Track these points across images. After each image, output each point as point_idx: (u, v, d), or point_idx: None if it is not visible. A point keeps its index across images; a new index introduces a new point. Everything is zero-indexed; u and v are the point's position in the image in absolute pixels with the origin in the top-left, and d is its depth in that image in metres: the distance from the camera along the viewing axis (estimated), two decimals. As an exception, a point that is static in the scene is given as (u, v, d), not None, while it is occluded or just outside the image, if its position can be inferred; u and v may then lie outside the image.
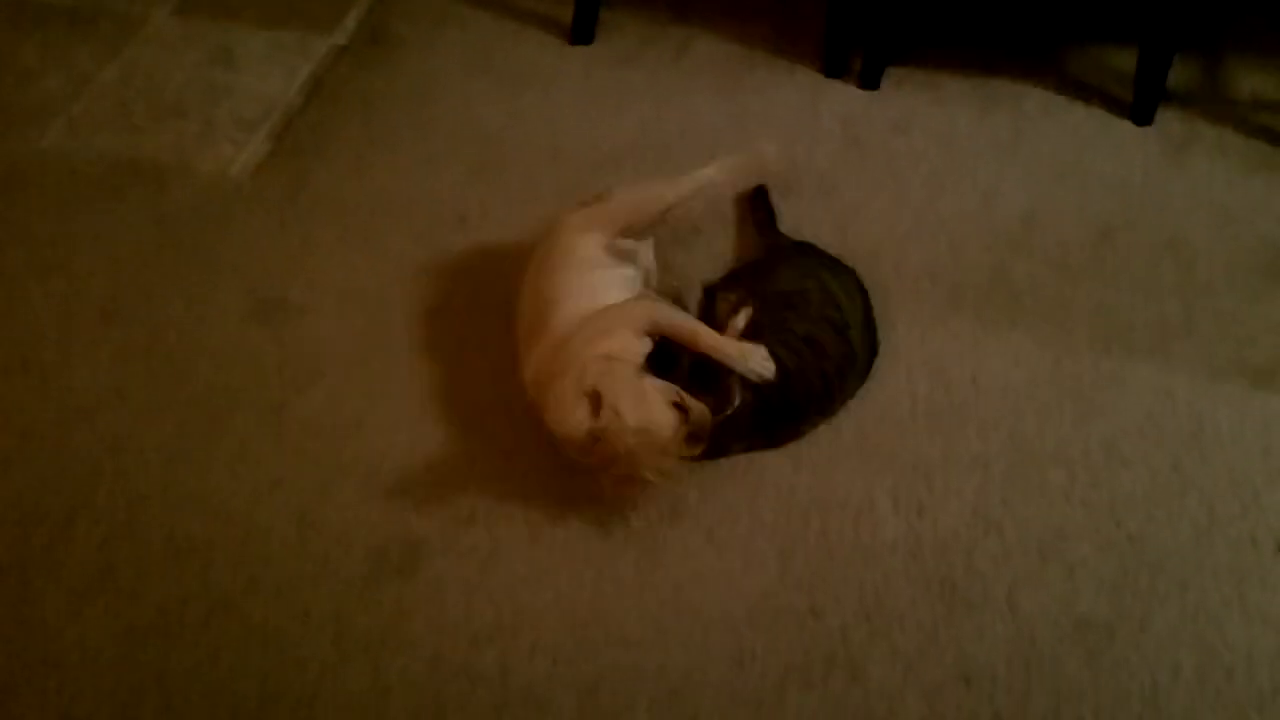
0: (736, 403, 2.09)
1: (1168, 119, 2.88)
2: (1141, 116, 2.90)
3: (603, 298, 2.20)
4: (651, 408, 1.98)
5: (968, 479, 2.17)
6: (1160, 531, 2.09)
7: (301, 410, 2.29)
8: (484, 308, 2.47)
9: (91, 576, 2.03)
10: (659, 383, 2.04)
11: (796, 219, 2.65)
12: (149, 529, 2.10)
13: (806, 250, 2.48)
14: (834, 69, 3.07)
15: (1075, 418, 2.27)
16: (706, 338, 2.14)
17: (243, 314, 2.47)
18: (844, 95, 3.00)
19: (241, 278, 2.55)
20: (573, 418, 1.99)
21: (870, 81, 3.04)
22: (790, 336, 2.20)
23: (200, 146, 2.88)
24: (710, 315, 2.30)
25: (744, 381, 2.11)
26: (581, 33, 3.21)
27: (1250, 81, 2.99)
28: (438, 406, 2.29)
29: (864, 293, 2.39)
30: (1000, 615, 1.98)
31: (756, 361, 2.11)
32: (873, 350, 2.34)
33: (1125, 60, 2.98)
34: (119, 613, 1.98)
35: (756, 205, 2.63)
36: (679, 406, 2.00)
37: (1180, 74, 2.93)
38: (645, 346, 2.13)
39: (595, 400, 1.99)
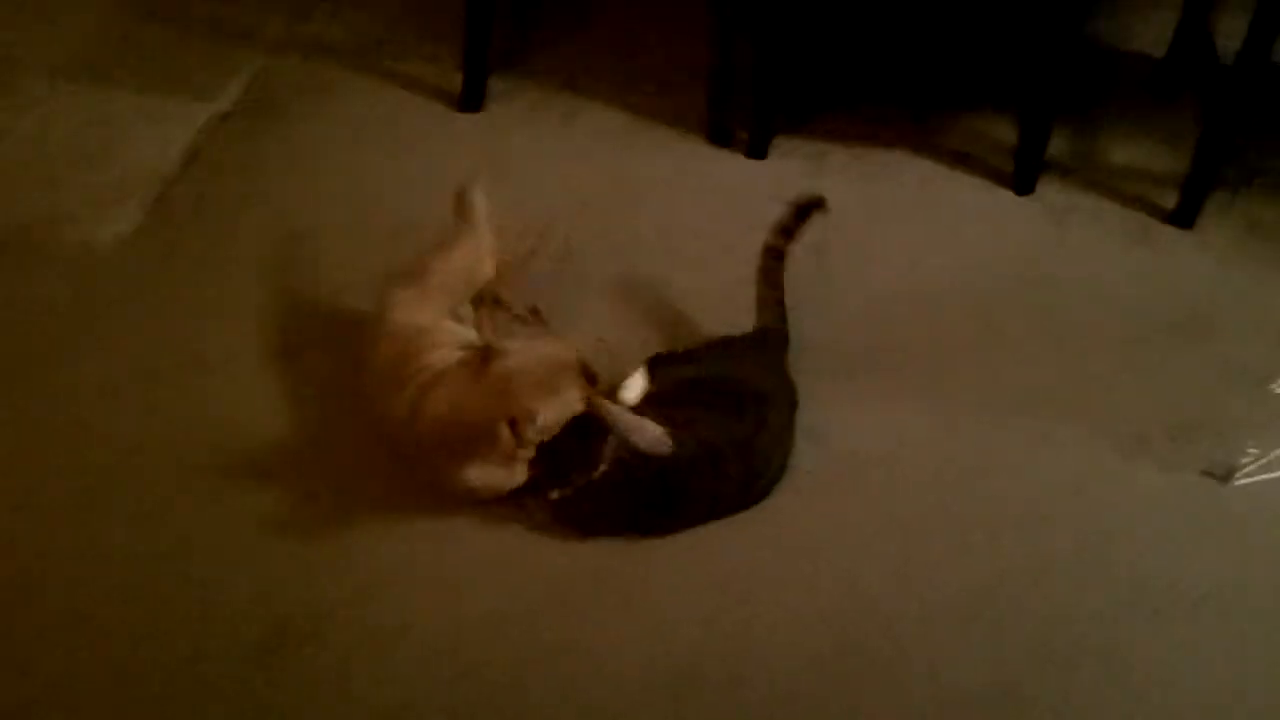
0: (602, 467, 2.06)
1: (1047, 189, 2.92)
2: (1023, 186, 2.94)
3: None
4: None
5: (888, 542, 2.18)
6: (1083, 598, 2.10)
7: (204, 478, 2.26)
8: (374, 378, 2.41)
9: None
10: None
11: (681, 291, 2.65)
12: (47, 595, 2.06)
13: (768, 349, 2.44)
14: (719, 137, 3.09)
15: (998, 480, 2.29)
16: (606, 402, 2.11)
17: (120, 383, 2.43)
18: (729, 165, 3.01)
19: (116, 350, 2.50)
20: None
21: (757, 151, 3.05)
22: (696, 432, 2.17)
23: (74, 217, 2.82)
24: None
25: (618, 453, 2.07)
26: (470, 100, 3.20)
27: (1125, 151, 3.04)
28: (350, 470, 2.27)
29: (793, 407, 2.35)
30: (921, 682, 1.97)
31: (649, 436, 2.06)
32: (776, 475, 2.29)
33: (1004, 130, 3.03)
34: (13, 684, 1.92)
35: (771, 281, 2.54)
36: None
37: (1058, 143, 2.97)
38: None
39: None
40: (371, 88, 3.26)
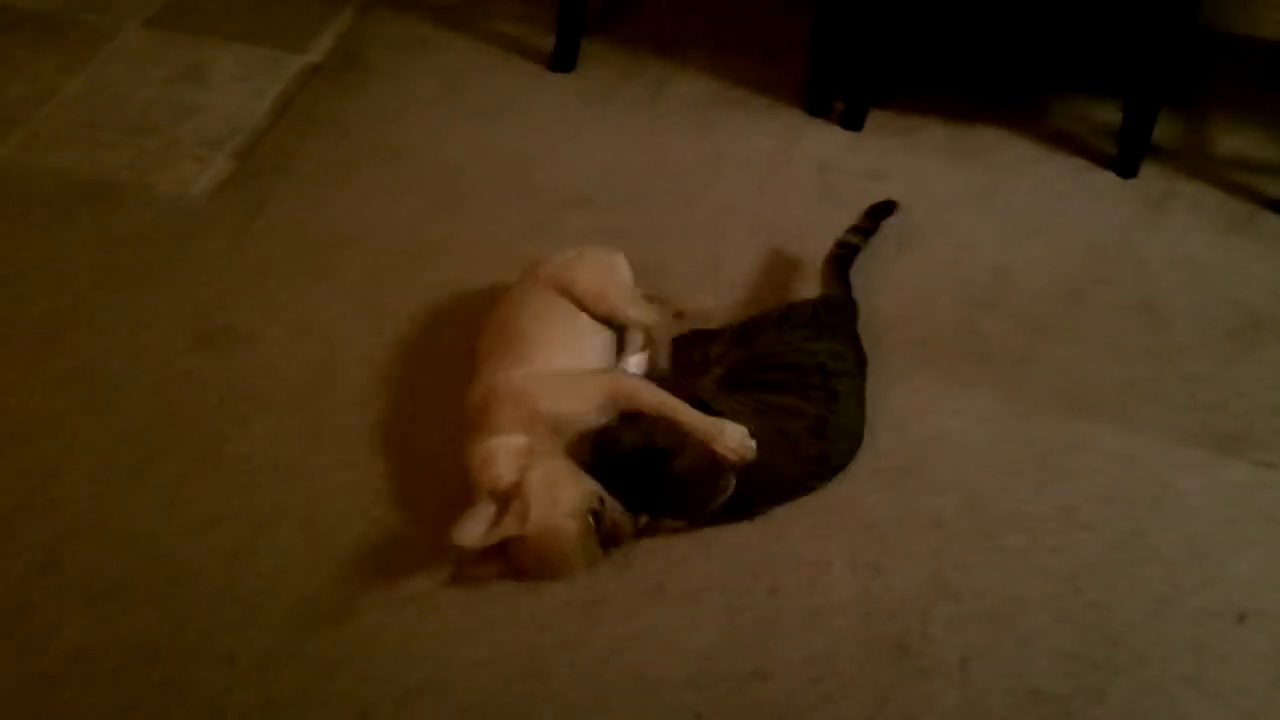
0: (729, 492, 2.04)
1: (1148, 174, 2.85)
2: (1126, 169, 2.87)
3: (577, 350, 2.18)
4: (559, 510, 1.93)
5: (924, 540, 2.12)
6: (1120, 601, 2.04)
7: (241, 446, 2.22)
8: (437, 348, 2.42)
9: (4, 617, 1.96)
10: (584, 484, 1.98)
11: (766, 265, 2.61)
12: (72, 567, 2.03)
13: (829, 314, 2.39)
14: (816, 108, 3.04)
15: (1037, 481, 2.22)
16: (684, 415, 2.05)
17: (188, 342, 2.40)
18: (823, 138, 2.96)
19: (190, 304, 2.49)
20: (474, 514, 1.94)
21: (853, 123, 3.00)
22: (770, 420, 2.13)
23: (160, 165, 2.82)
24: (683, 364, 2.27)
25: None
26: (562, 62, 3.17)
27: (1232, 140, 2.96)
28: (383, 448, 2.23)
29: (863, 373, 2.32)
30: (952, 683, 1.93)
31: (735, 440, 2.03)
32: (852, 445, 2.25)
33: (1108, 113, 2.96)
34: (32, 656, 1.91)
35: (834, 272, 2.52)
36: (596, 515, 1.95)
37: (1163, 129, 2.89)
38: (595, 419, 2.07)
39: (504, 498, 1.95)
40: (462, 45, 3.24)
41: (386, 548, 2.07)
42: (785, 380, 2.21)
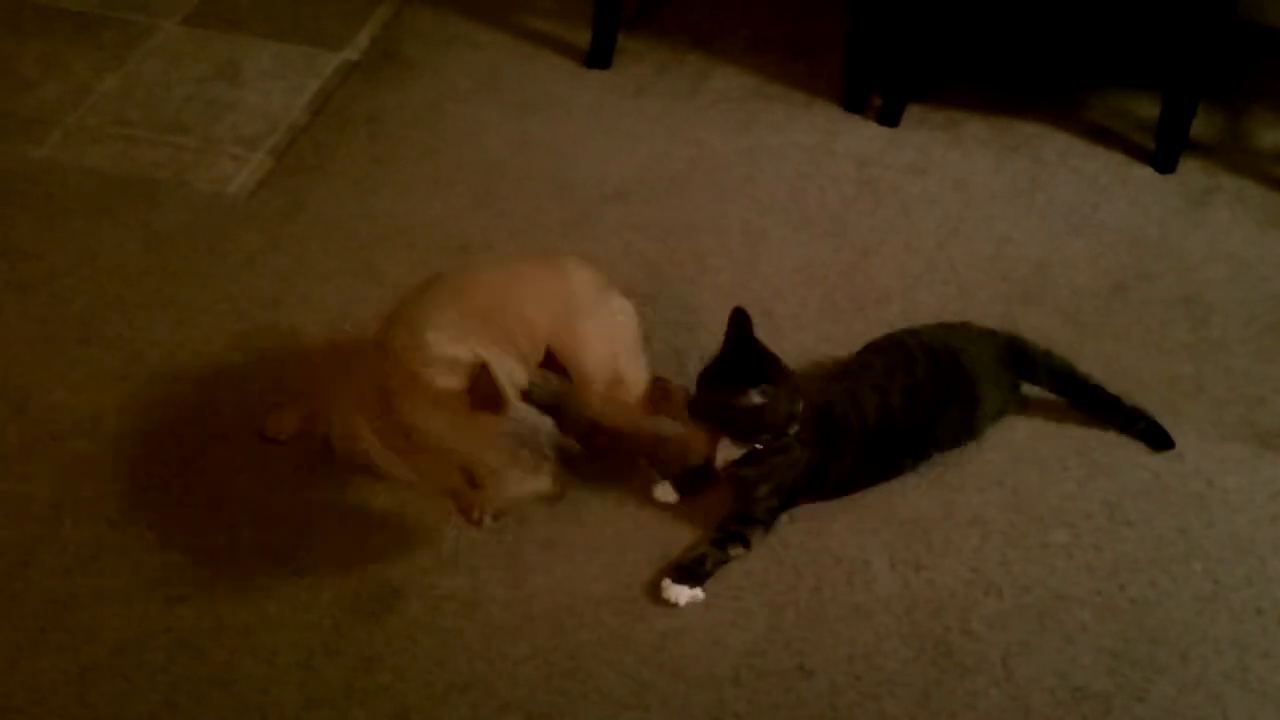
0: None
1: (1189, 169, 2.83)
2: (1164, 164, 2.85)
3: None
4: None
5: (966, 537, 2.11)
6: (1162, 598, 2.03)
7: (290, 442, 2.23)
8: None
9: (48, 612, 1.96)
10: None
11: (805, 257, 2.61)
12: (113, 562, 2.03)
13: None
14: (854, 104, 3.03)
15: (1079, 477, 2.20)
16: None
17: (229, 339, 2.41)
18: (861, 132, 2.95)
19: (231, 300, 2.49)
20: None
21: (890, 118, 2.99)
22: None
23: (198, 163, 2.83)
24: None
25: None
26: (599, 57, 3.16)
27: (1274, 134, 2.93)
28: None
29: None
30: (994, 680, 1.92)
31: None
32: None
33: (1147, 107, 2.93)
34: (74, 652, 1.91)
35: None
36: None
37: (1203, 124, 2.87)
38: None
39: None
40: (499, 41, 3.24)
41: (427, 545, 2.07)
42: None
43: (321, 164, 2.84)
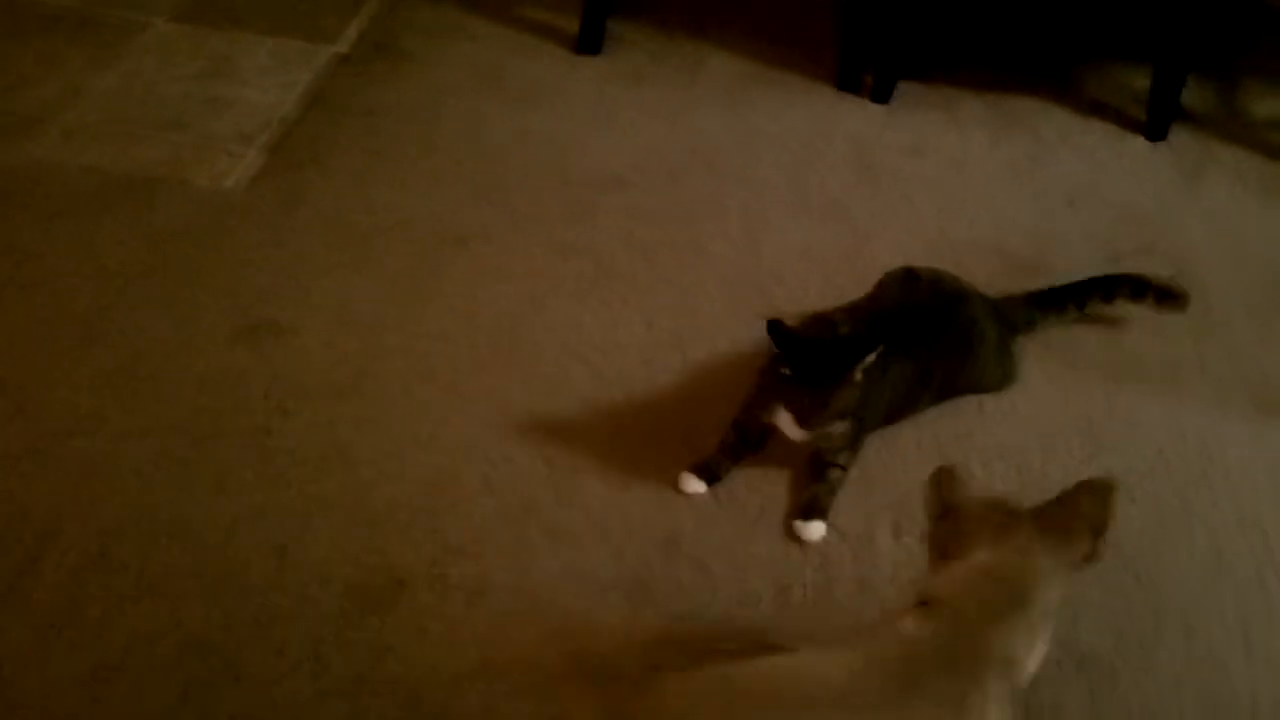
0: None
1: (1184, 141, 2.84)
2: (1155, 132, 2.86)
3: None
4: None
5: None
6: (1167, 572, 2.04)
7: (287, 437, 2.22)
8: (482, 333, 2.42)
9: (58, 610, 1.95)
10: None
11: (805, 239, 2.61)
12: (121, 560, 2.02)
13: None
14: (847, 83, 3.03)
15: (1084, 453, 2.21)
16: None
17: (231, 334, 2.40)
18: (859, 115, 2.96)
19: (231, 296, 2.48)
20: None
21: (881, 96, 2.99)
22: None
23: (195, 159, 2.82)
24: None
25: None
26: (588, 43, 3.16)
27: (1268, 104, 2.94)
28: (428, 435, 2.23)
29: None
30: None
31: None
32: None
33: (1143, 80, 2.93)
34: (86, 649, 1.90)
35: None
36: None
37: (1198, 96, 2.88)
38: None
39: None
40: (491, 31, 3.24)
41: (432, 535, 2.07)
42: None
43: (318, 158, 2.83)
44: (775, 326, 2.03)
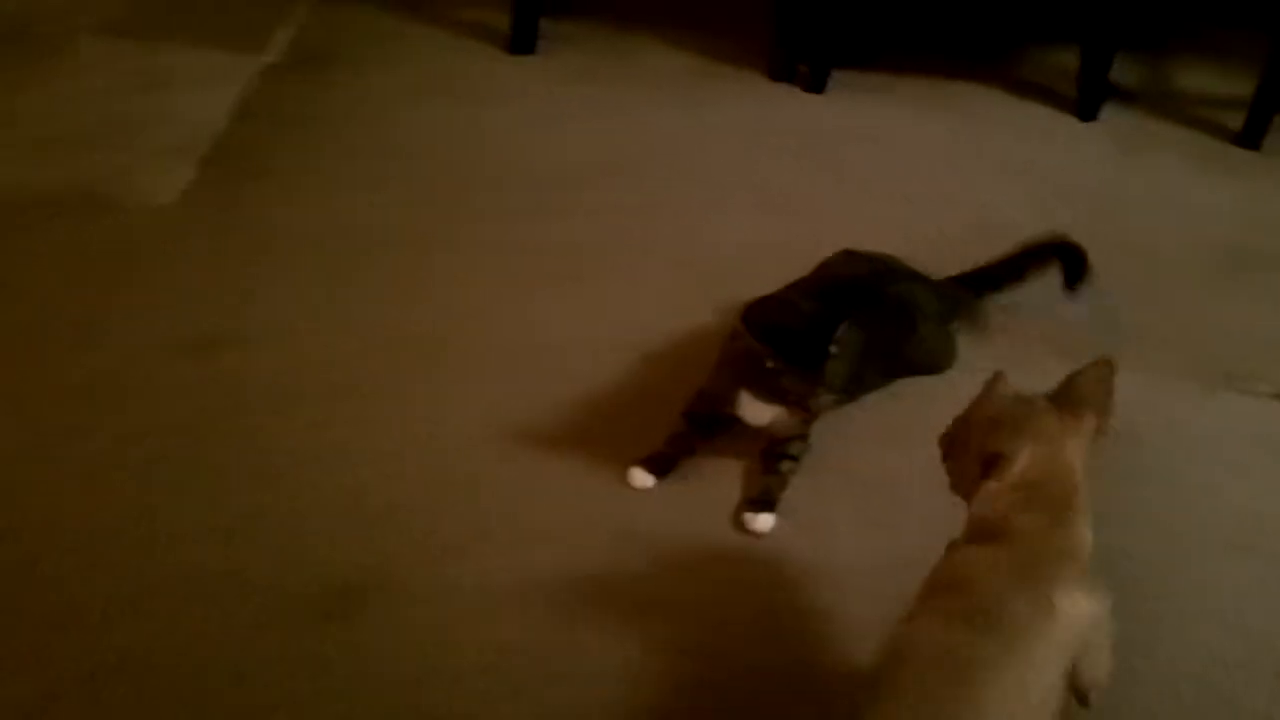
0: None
1: (1118, 118, 2.87)
2: (1086, 112, 2.90)
3: None
4: None
5: (925, 493, 2.08)
6: (1130, 542, 2.03)
7: (235, 452, 2.17)
8: (434, 335, 2.39)
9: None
10: None
11: (749, 229, 2.62)
12: (39, 598, 1.94)
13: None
14: (780, 73, 3.04)
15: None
16: None
17: (176, 349, 2.35)
18: (798, 102, 2.98)
19: (172, 312, 2.43)
20: None
21: (816, 86, 3.00)
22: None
23: (125, 176, 2.77)
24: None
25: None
26: (521, 43, 3.15)
27: (1197, 76, 2.99)
28: (379, 442, 2.19)
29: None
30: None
31: None
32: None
33: (1075, 59, 2.96)
34: (30, 682, 1.80)
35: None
36: None
37: (1130, 71, 2.91)
38: None
39: None
40: (421, 33, 3.23)
41: (404, 536, 2.03)
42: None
43: (250, 169, 2.80)
44: (754, 322, 2.04)
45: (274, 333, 2.39)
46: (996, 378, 1.73)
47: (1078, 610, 1.51)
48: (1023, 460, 1.61)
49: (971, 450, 1.67)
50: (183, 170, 2.78)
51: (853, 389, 2.20)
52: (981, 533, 1.63)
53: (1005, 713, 1.45)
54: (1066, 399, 1.69)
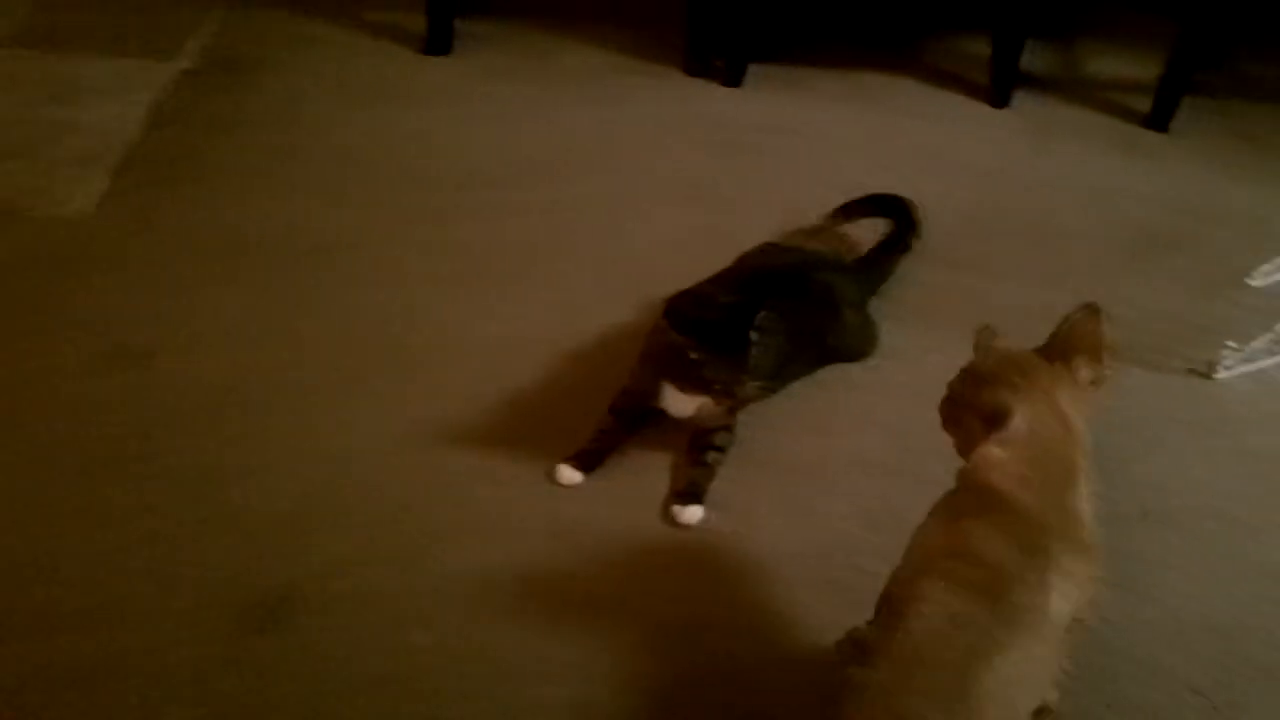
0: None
1: (1030, 105, 2.90)
2: (999, 99, 2.92)
3: None
4: None
5: (848, 478, 2.14)
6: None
7: (164, 460, 2.15)
8: (354, 340, 2.38)
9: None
10: None
11: (671, 224, 2.63)
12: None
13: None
14: (696, 68, 3.04)
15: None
16: None
17: (92, 362, 2.32)
18: (714, 96, 2.99)
19: (86, 324, 2.40)
20: None
21: (732, 79, 3.01)
22: None
23: (37, 187, 2.73)
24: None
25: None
26: (437, 44, 3.14)
27: (1107, 62, 3.03)
28: (305, 448, 2.18)
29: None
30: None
31: None
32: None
33: (986, 48, 2.99)
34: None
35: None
36: None
37: (1040, 58, 2.94)
38: None
39: None
40: (337, 37, 3.21)
41: (320, 546, 2.02)
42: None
43: (164, 177, 2.77)
44: (675, 314, 2.05)
45: (192, 342, 2.37)
46: (983, 331, 1.73)
47: (1080, 575, 1.54)
48: (1023, 414, 1.60)
49: (973, 409, 1.66)
50: (96, 180, 2.75)
51: (777, 378, 2.22)
52: (984, 502, 1.60)
53: (1013, 679, 1.48)
54: (1057, 350, 1.68)
